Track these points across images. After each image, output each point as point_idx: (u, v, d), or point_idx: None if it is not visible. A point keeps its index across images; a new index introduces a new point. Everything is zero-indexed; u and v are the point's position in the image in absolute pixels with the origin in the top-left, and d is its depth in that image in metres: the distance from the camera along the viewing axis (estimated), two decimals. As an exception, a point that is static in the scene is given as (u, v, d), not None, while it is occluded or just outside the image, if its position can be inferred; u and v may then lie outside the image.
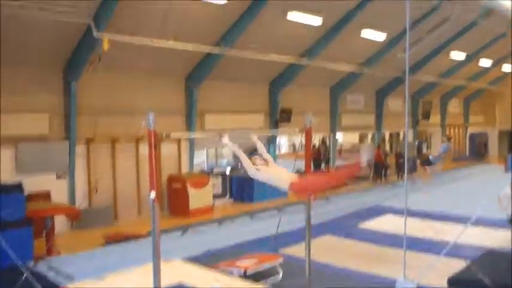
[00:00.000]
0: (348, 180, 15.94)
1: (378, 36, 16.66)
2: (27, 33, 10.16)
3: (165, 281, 4.42)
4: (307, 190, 5.61)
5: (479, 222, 9.59)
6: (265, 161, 5.50)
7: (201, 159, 19.01)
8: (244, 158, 5.43)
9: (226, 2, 11.54)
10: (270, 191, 15.26)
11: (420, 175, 11.03)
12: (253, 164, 5.42)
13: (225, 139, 5.47)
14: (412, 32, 16.72)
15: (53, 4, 9.71)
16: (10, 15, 9.27)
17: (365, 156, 19.68)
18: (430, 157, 11.24)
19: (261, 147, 5.96)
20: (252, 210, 13.85)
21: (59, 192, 11.59)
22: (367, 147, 22.01)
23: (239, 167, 19.62)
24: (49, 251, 9.34)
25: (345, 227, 11.45)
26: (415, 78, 20.64)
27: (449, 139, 17.46)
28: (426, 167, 11.07)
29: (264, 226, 11.40)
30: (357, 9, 14.59)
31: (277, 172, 5.44)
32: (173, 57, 12.86)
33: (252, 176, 5.49)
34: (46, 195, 11.19)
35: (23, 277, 4.74)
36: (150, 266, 4.50)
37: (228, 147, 5.63)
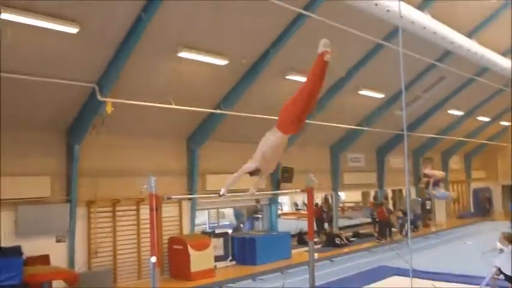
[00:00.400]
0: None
1: (376, 95, 17.02)
2: (30, 96, 10.39)
3: None
4: (290, 114, 5.33)
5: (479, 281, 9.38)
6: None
7: (202, 219, 18.87)
8: (240, 173, 5.42)
9: (227, 63, 11.87)
10: (273, 253, 15.03)
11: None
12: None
13: (222, 191, 5.51)
14: (408, 91, 17.09)
15: (58, 69, 10.00)
16: (14, 81, 9.52)
17: None
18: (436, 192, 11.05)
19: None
20: (254, 273, 13.53)
21: (58, 256, 11.39)
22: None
23: (241, 228, 19.45)
24: (45, 318, 9.07)
25: (351, 289, 11.15)
26: (414, 135, 20.83)
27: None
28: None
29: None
30: (353, 71, 14.99)
31: (263, 139, 5.46)
32: (175, 119, 13.05)
33: (249, 168, 5.62)
34: (45, 259, 10.99)
35: None
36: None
37: (225, 188, 5.64)
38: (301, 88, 4.94)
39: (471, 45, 13.88)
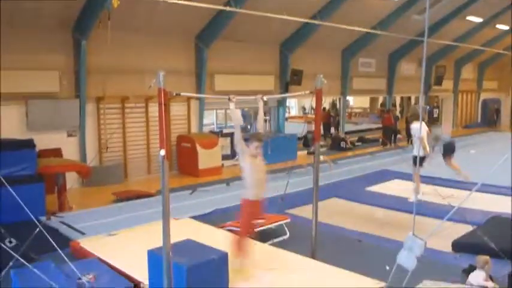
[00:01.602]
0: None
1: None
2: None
3: (174, 237, 4.51)
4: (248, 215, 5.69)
5: (487, 189, 9.63)
6: (258, 150, 5.49)
7: (210, 120, 19.06)
8: (239, 136, 5.47)
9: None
10: (279, 154, 15.35)
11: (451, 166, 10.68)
12: (248, 145, 5.44)
13: (232, 105, 5.50)
14: (428, -7, 16.28)
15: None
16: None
17: None
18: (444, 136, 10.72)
19: (260, 118, 5.99)
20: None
21: (69, 150, 11.74)
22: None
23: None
24: (61, 207, 9.54)
25: (352, 190, 11.52)
26: (429, 42, 20.20)
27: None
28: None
29: (272, 187, 11.47)
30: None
31: (255, 175, 5.48)
32: (183, 15, 12.67)
33: (237, 154, 5.64)
34: (57, 153, 11.34)
35: (36, 231, 4.85)
36: (159, 224, 4.58)
37: (231, 113, 5.67)
38: None
39: None
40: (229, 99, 5.50)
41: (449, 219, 5.50)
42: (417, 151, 8.80)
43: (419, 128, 8.83)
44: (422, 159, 9.20)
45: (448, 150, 10.33)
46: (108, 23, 10.87)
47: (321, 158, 11.08)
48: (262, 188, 5.62)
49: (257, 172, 5.50)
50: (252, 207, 5.59)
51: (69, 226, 8.42)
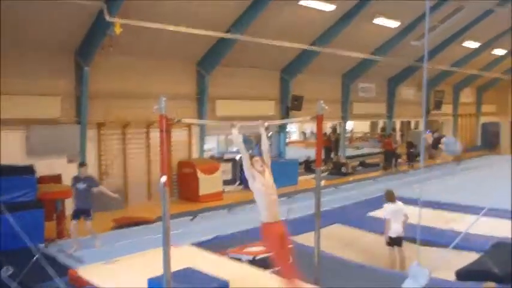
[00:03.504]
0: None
1: (391, 24, 16.46)
2: (40, 16, 10.17)
3: (174, 265, 4.43)
4: (272, 237, 5.54)
5: (490, 212, 9.53)
6: (264, 166, 5.47)
7: (211, 145, 19.06)
8: (245, 157, 5.44)
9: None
10: (280, 179, 15.27)
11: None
12: (253, 165, 5.41)
13: (235, 131, 5.48)
14: (424, 20, 16.50)
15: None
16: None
17: None
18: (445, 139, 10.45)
19: (265, 143, 5.97)
20: (261, 197, 13.84)
21: (70, 176, 11.58)
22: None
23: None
24: (60, 234, 9.44)
25: (355, 215, 11.42)
26: (428, 67, 20.36)
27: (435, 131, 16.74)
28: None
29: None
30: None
31: (266, 197, 5.56)
32: (185, 42, 12.81)
33: (246, 176, 5.63)
34: (57, 179, 11.28)
35: (34, 259, 4.78)
36: (159, 251, 4.52)
37: (234, 140, 5.65)
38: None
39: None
40: (232, 125, 5.49)
41: (448, 244, 5.44)
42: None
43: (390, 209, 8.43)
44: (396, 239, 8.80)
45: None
46: (110, 49, 11.01)
47: (322, 182, 11.01)
48: (275, 207, 5.53)
49: (268, 194, 5.44)
50: (273, 229, 5.46)
51: (67, 254, 8.31)
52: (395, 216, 7.97)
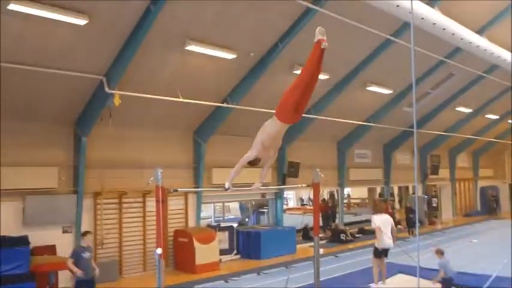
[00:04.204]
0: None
1: (383, 91, 16.95)
2: (40, 88, 10.44)
3: None
4: (288, 103, 5.29)
5: (495, 280, 9.33)
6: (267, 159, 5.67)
7: (208, 213, 18.88)
8: (236, 165, 5.41)
9: (234, 57, 11.85)
10: (278, 248, 15.06)
11: None
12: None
13: (226, 185, 5.51)
14: (416, 88, 17.01)
15: (68, 60, 10.03)
16: (23, 72, 9.56)
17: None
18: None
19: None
20: (259, 267, 13.57)
21: (64, 246, 11.45)
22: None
23: (246, 222, 19.47)
24: (52, 308, 9.15)
25: (356, 285, 11.11)
26: (422, 132, 20.74)
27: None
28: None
29: (272, 283, 11.13)
30: (362, 66, 14.91)
31: (262, 128, 5.52)
32: (182, 112, 13.08)
33: (249, 158, 5.64)
34: (51, 249, 11.08)
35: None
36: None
37: (230, 181, 5.63)
38: (299, 77, 4.96)
39: (481, 42, 13.76)
40: (225, 188, 5.53)
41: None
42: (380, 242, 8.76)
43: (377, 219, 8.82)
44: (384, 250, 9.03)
45: None
46: (109, 120, 11.21)
47: (321, 251, 10.91)
48: None
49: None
50: None
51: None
52: (384, 225, 8.26)
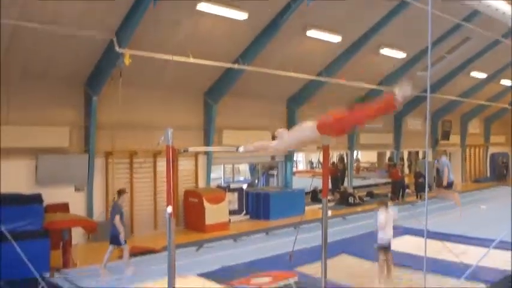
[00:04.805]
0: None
1: (397, 54, 16.64)
2: (51, 47, 10.40)
3: (179, 296, 4.40)
4: (336, 127, 5.32)
5: (500, 245, 9.38)
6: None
7: (218, 174, 19.05)
8: (260, 143, 5.40)
9: (246, 18, 11.66)
10: (287, 209, 15.23)
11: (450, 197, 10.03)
12: (275, 136, 5.36)
13: (241, 148, 5.50)
14: (432, 51, 16.68)
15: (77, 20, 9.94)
16: (33, 32, 9.50)
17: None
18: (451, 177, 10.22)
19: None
20: (268, 227, 13.78)
21: (77, 205, 11.71)
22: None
23: (256, 184, 19.63)
24: (65, 263, 9.40)
25: (362, 246, 11.26)
26: (434, 97, 20.47)
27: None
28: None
29: (280, 243, 11.31)
30: (376, 28, 14.59)
31: (299, 128, 5.38)
32: (193, 73, 12.99)
33: (275, 148, 5.45)
34: (64, 207, 11.31)
35: (39, 288, 4.76)
36: (165, 281, 4.48)
37: (245, 149, 5.58)
38: (360, 112, 5.07)
39: (499, 5, 13.32)
40: (237, 149, 5.54)
41: (457, 276, 5.34)
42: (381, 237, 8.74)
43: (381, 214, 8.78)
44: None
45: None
46: (119, 80, 11.19)
47: (329, 213, 11.00)
48: None
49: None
50: None
51: (73, 284, 8.25)
52: (389, 222, 8.37)
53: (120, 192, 9.42)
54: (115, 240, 8.97)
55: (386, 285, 8.30)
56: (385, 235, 8.42)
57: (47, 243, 9.06)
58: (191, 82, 13.65)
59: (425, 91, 19.94)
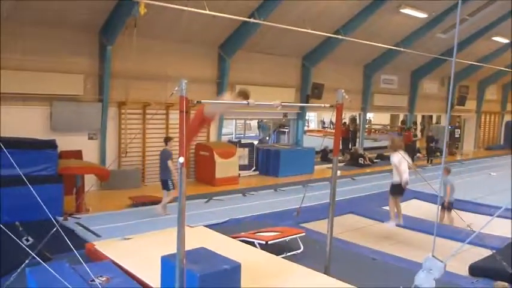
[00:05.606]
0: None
1: (418, 14, 16.18)
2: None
3: (187, 245, 4.51)
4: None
5: (507, 213, 9.41)
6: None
7: (229, 129, 19.13)
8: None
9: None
10: (296, 167, 15.33)
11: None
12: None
13: (251, 101, 5.58)
14: (453, 13, 16.20)
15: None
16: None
17: None
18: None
19: None
20: (276, 184, 13.94)
21: (90, 152, 11.91)
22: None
23: (266, 140, 19.70)
24: (78, 208, 9.66)
25: (369, 207, 11.39)
26: (452, 60, 20.00)
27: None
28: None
29: (288, 199, 11.47)
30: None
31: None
32: (208, 25, 12.81)
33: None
34: (78, 154, 11.51)
35: (53, 230, 4.92)
36: (173, 230, 4.60)
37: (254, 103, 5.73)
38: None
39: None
40: (248, 104, 5.58)
41: (468, 243, 5.39)
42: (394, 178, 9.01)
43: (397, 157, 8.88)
44: (398, 186, 9.09)
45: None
46: (134, 30, 11.08)
47: (338, 173, 11.07)
48: None
49: None
50: None
51: (85, 227, 8.51)
52: (404, 163, 8.56)
53: (167, 140, 9.83)
54: (165, 185, 9.53)
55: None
56: (397, 176, 8.78)
57: (61, 188, 9.30)
58: (206, 35, 13.49)
59: (443, 54, 19.61)
